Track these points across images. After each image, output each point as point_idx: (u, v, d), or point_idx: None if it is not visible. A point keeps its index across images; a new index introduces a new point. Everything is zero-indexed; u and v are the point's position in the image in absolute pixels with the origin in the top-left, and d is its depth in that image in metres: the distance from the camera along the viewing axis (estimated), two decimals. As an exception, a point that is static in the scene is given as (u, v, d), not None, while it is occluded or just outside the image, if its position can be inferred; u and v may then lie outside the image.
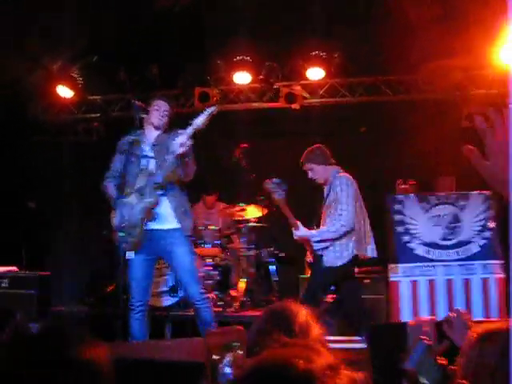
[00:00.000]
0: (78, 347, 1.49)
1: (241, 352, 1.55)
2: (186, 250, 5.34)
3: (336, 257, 5.68)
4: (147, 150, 5.40)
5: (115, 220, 5.24)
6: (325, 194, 6.00)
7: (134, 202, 5.22)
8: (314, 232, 5.79)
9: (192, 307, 5.43)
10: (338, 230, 5.66)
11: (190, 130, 5.04)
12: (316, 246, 5.71)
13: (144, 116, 5.38)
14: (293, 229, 5.77)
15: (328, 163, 5.99)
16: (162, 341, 5.34)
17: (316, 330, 2.14)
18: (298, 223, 5.74)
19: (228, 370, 1.55)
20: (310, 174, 5.99)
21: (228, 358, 1.56)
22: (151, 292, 5.66)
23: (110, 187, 5.40)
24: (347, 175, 5.90)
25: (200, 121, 5.05)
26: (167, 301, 7.31)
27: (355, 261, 5.75)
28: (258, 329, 2.02)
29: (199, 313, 5.31)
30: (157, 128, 5.41)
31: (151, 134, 5.45)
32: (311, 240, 5.72)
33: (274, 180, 5.50)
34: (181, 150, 5.00)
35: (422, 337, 2.33)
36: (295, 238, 5.83)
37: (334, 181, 5.85)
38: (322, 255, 5.69)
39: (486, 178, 1.49)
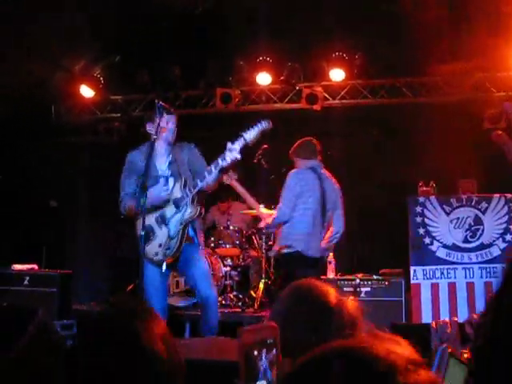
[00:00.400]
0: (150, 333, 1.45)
1: (275, 350, 1.53)
2: (201, 257, 5.41)
3: None
4: (163, 169, 5.30)
5: (143, 233, 5.17)
6: None
7: (170, 214, 5.19)
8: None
9: (202, 309, 5.30)
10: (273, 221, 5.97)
11: (241, 143, 4.95)
12: None
13: (151, 131, 5.16)
14: None
15: (310, 157, 6.01)
16: (188, 339, 5.36)
17: (351, 303, 2.01)
18: None
19: (267, 367, 1.55)
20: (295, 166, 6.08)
21: (266, 355, 1.54)
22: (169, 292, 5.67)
23: (130, 203, 5.20)
24: (297, 171, 6.01)
25: (252, 135, 4.98)
26: (185, 301, 7.34)
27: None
28: (284, 318, 1.92)
29: (207, 314, 5.21)
30: (169, 144, 5.33)
31: (163, 149, 5.32)
32: None
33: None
34: (227, 163, 4.98)
35: (443, 343, 2.32)
36: None
37: None
38: None
39: None
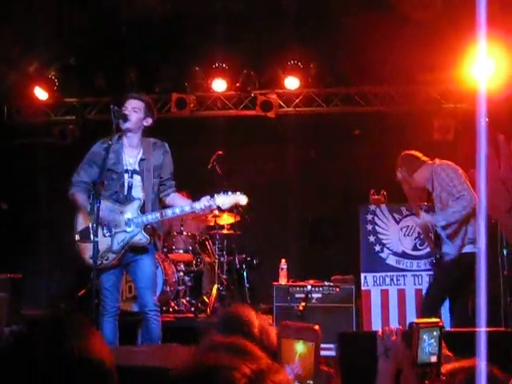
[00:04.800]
0: (81, 341, 1.46)
1: (310, 355, 1.55)
2: (151, 261, 5.25)
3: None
4: (131, 162, 5.16)
5: (83, 230, 5.08)
6: None
7: (118, 229, 5.04)
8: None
9: (143, 316, 5.20)
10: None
11: (213, 205, 4.94)
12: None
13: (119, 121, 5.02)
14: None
15: None
16: (135, 347, 5.32)
17: (273, 331, 2.08)
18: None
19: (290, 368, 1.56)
20: None
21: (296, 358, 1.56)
22: (122, 297, 5.60)
23: (81, 197, 5.13)
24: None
25: (227, 204, 4.95)
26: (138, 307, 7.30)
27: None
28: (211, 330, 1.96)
29: (148, 324, 5.11)
30: (131, 131, 5.14)
31: (129, 140, 5.18)
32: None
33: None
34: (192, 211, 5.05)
35: (387, 350, 2.39)
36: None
37: None
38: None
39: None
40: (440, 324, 2.40)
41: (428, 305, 5.69)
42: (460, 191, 5.35)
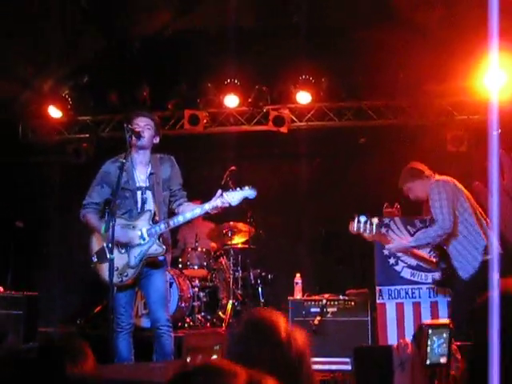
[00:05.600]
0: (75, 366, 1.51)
1: (218, 356, 1.58)
2: (162, 277, 5.24)
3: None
4: (142, 179, 5.19)
5: (99, 251, 5.10)
6: None
7: (133, 243, 5.06)
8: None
9: (155, 332, 5.15)
10: None
11: (222, 203, 4.93)
12: None
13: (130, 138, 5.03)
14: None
15: None
16: (149, 363, 5.30)
17: (301, 335, 2.06)
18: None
19: None
20: None
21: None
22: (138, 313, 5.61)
23: (93, 218, 5.17)
24: None
25: (236, 199, 4.95)
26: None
27: None
28: (238, 342, 1.94)
29: (160, 339, 5.09)
30: (141, 148, 5.17)
31: (140, 158, 5.21)
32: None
33: (359, 219, 5.24)
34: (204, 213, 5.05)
35: (402, 363, 2.38)
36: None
37: None
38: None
39: None
40: (450, 325, 2.38)
41: None
42: (437, 214, 5.25)
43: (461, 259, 5.35)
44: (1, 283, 7.53)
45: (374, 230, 5.21)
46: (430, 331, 2.31)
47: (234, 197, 4.96)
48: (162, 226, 5.06)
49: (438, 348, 2.30)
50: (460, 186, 5.48)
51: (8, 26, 7.16)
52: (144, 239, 5.06)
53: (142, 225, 5.07)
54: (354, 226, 5.23)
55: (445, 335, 2.32)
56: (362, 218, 5.22)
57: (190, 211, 5.07)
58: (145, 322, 7.23)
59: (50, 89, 8.90)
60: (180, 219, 5.09)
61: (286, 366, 1.85)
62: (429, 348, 2.30)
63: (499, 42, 0.92)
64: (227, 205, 4.97)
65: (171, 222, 5.08)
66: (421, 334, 2.33)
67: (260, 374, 1.19)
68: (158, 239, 5.06)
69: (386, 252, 6.75)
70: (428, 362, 2.31)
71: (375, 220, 5.24)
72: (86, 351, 1.65)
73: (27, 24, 7.29)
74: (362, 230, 5.21)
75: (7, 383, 1.58)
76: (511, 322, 0.96)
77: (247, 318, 2.07)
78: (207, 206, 4.98)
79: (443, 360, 2.32)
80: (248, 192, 4.99)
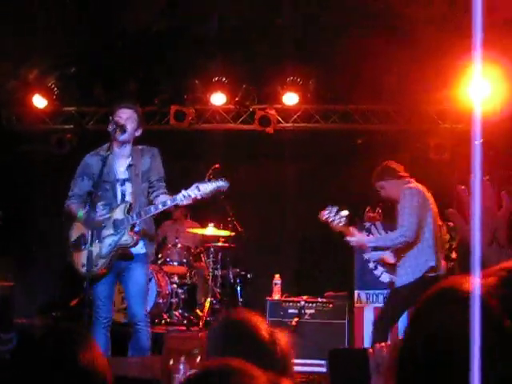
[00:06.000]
0: (86, 352, 1.49)
1: (199, 359, 1.58)
2: (143, 271, 5.25)
3: None
4: (121, 171, 5.22)
5: (75, 240, 5.16)
6: None
7: (106, 233, 5.09)
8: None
9: (132, 328, 5.21)
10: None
11: (194, 194, 4.91)
12: None
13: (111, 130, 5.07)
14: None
15: None
16: (126, 358, 5.29)
17: (283, 338, 2.03)
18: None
19: (182, 376, 1.58)
20: None
21: (183, 364, 1.58)
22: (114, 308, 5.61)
23: (74, 208, 5.20)
24: None
25: (208, 191, 4.93)
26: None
27: None
28: (214, 345, 1.91)
29: (137, 335, 5.12)
30: (127, 141, 5.20)
31: (122, 150, 5.23)
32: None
33: (330, 209, 5.37)
34: (175, 204, 5.04)
35: (378, 366, 2.39)
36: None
37: None
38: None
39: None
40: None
41: None
42: (404, 221, 5.26)
43: (404, 267, 5.36)
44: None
45: (342, 222, 5.33)
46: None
47: (206, 188, 4.96)
48: (135, 216, 5.07)
49: None
50: (429, 196, 5.49)
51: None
52: (116, 229, 5.08)
53: (118, 215, 5.10)
54: (324, 214, 5.38)
55: None
56: (334, 208, 5.36)
57: (161, 202, 5.08)
58: (123, 317, 7.21)
59: (36, 78, 8.83)
60: (152, 209, 5.10)
61: (271, 367, 1.85)
62: None
63: (483, 53, 0.93)
64: (199, 196, 4.96)
65: (142, 213, 5.08)
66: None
67: (278, 377, 1.20)
68: (131, 230, 5.09)
69: (366, 256, 6.79)
70: None
71: (345, 212, 5.38)
72: (91, 338, 1.64)
73: (14, 13, 7.24)
74: (330, 219, 5.34)
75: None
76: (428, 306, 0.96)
77: (226, 319, 2.04)
78: (178, 197, 4.98)
79: None
80: (220, 183, 5.00)
